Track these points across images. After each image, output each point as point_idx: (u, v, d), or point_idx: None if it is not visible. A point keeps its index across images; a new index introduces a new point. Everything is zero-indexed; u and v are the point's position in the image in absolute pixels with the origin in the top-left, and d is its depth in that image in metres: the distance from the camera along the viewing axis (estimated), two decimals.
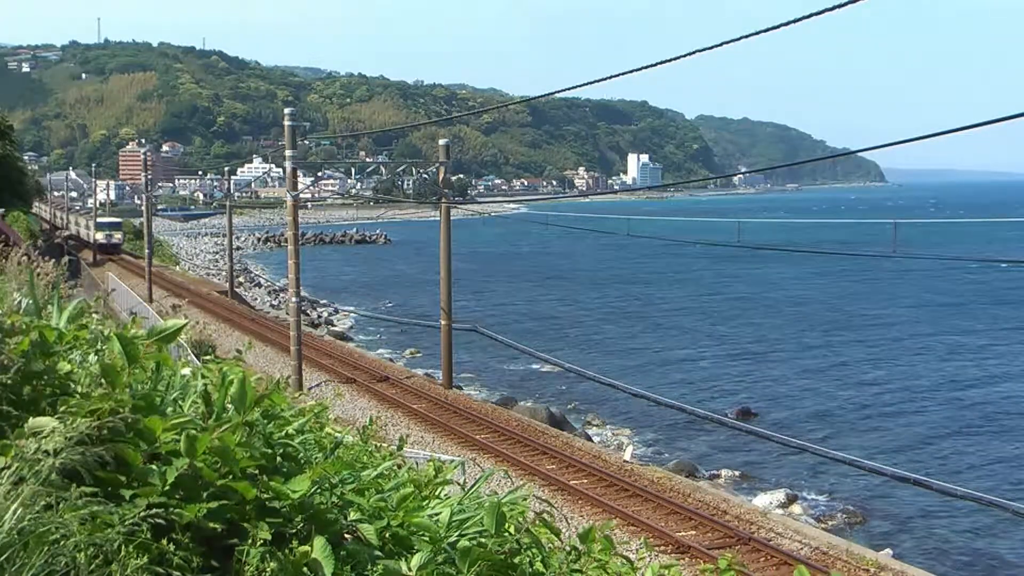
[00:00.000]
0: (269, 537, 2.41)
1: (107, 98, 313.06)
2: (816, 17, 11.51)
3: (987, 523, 24.49)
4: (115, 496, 2.33)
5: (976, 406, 37.48)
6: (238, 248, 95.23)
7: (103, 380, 2.60)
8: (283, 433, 2.88)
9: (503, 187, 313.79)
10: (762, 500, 24.79)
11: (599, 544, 3.22)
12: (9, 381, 2.51)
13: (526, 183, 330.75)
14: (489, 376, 42.09)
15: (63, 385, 2.64)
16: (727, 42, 13.08)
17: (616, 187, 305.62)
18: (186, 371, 3.10)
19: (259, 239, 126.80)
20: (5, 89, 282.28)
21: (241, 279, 72.86)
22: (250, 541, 2.39)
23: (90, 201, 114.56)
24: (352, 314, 59.70)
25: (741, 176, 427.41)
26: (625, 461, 23.72)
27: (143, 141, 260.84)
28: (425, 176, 44.42)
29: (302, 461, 2.86)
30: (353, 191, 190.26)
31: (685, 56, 14.01)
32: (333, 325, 56.02)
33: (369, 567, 2.51)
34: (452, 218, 31.53)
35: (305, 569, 2.38)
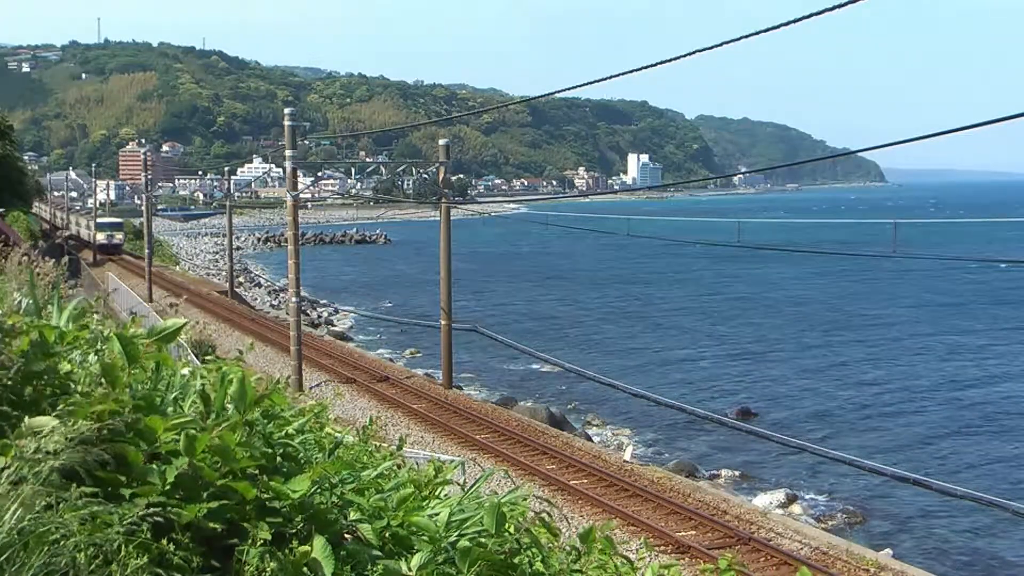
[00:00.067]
0: (269, 537, 2.41)
1: (107, 98, 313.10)
2: (816, 17, 11.52)
3: (987, 523, 24.49)
4: (115, 496, 2.33)
5: (976, 406, 37.49)
6: (238, 248, 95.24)
7: (103, 380, 2.60)
8: (283, 433, 2.88)
9: (503, 187, 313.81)
10: (762, 500, 24.79)
11: (599, 544, 3.22)
12: (9, 381, 2.51)
13: (526, 183, 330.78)
14: (489, 376, 42.09)
15: (63, 385, 2.64)
16: (727, 42, 13.09)
17: (616, 187, 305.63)
18: (186, 371, 3.10)
19: (259, 239, 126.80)
20: (5, 89, 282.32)
21: (241, 279, 72.86)
22: (250, 541, 2.39)
23: (90, 201, 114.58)
24: (352, 314, 59.70)
25: (741, 176, 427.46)
26: (625, 461, 23.73)
27: (143, 141, 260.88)
28: (425, 176, 44.43)
29: (302, 461, 2.86)
30: (353, 191, 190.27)
31: (685, 56, 14.02)
32: (333, 325, 56.02)
33: (369, 567, 2.51)
34: (452, 218, 31.53)
35: (305, 569, 2.38)
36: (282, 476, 2.62)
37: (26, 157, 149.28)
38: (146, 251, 54.77)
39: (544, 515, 3.21)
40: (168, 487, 2.39)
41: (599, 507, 20.05)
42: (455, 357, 33.52)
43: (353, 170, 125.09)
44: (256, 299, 64.42)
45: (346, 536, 2.67)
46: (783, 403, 37.82)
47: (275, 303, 62.94)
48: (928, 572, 18.21)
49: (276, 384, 3.10)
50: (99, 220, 76.49)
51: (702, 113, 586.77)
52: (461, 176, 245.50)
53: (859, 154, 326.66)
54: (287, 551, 2.40)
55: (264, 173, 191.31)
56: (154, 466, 2.44)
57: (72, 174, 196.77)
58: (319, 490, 2.69)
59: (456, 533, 2.76)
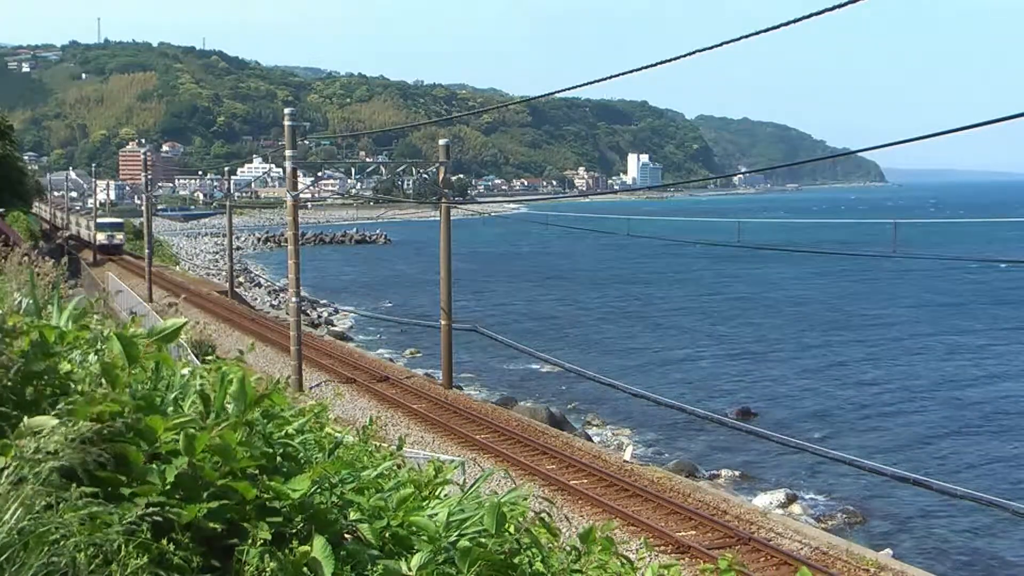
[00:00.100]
0: (269, 537, 2.41)
1: (107, 98, 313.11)
2: (816, 17, 11.52)
3: (987, 523, 24.49)
4: (115, 496, 2.33)
5: (975, 406, 37.50)
6: (238, 248, 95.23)
7: (103, 380, 2.60)
8: (283, 433, 2.88)
9: (503, 187, 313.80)
10: (762, 500, 24.79)
11: (599, 544, 3.22)
12: (10, 382, 2.51)
13: (526, 183, 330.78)
14: (489, 376, 42.09)
15: (63, 385, 2.64)
16: (727, 42, 13.09)
17: (616, 187, 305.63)
18: (185, 371, 3.10)
19: (259, 239, 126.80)
20: (5, 89, 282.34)
21: (241, 279, 72.86)
22: (250, 541, 2.39)
23: (90, 201, 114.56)
24: (352, 314, 59.70)
25: (741, 176, 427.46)
26: (625, 461, 23.73)
27: (143, 141, 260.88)
28: (425, 176, 44.43)
29: (302, 461, 2.86)
30: (353, 191, 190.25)
31: (685, 56, 14.03)
32: (333, 325, 56.02)
33: (369, 567, 2.51)
34: (452, 218, 31.53)
35: (305, 569, 2.38)
36: (282, 476, 2.62)
37: (26, 157, 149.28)
38: (146, 251, 54.78)
39: (544, 515, 3.21)
40: (168, 487, 2.39)
41: (599, 507, 20.05)
42: (455, 357, 33.52)
43: (353, 170, 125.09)
44: (256, 299, 64.43)
45: (346, 536, 2.67)
46: (783, 403, 37.83)
47: (275, 303, 62.94)
48: (928, 572, 18.21)
49: (276, 384, 3.10)
50: (100, 220, 76.42)
51: (702, 113, 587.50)
52: (461, 176, 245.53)
53: (859, 154, 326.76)
54: (287, 551, 2.40)
55: (264, 173, 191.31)
56: (154, 466, 2.44)
57: (72, 174, 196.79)
58: (319, 490, 2.69)
59: (456, 533, 2.77)
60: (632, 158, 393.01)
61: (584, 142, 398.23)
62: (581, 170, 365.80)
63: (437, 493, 3.18)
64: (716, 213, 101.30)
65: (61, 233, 79.12)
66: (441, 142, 32.12)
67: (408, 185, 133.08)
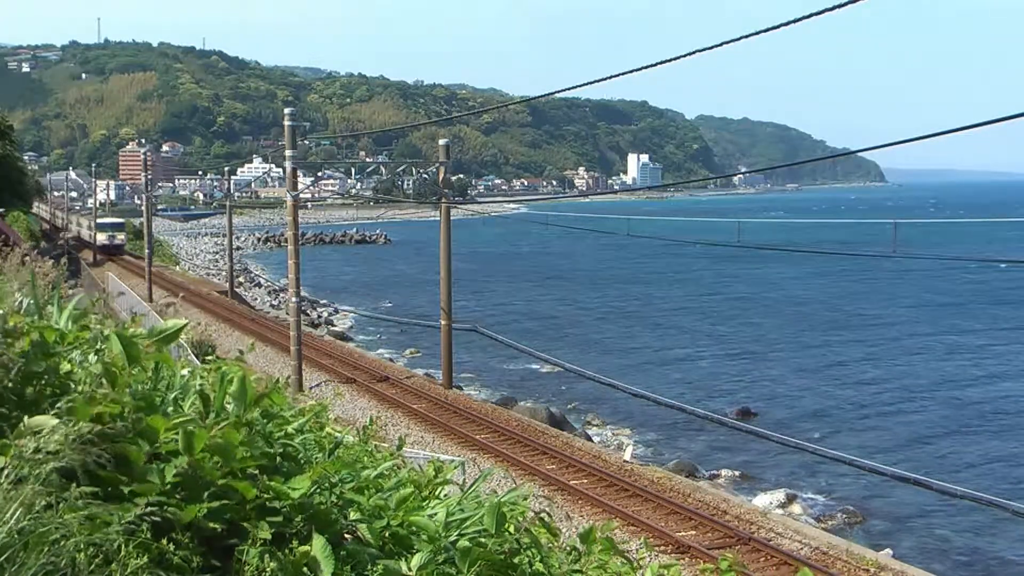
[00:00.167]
0: (269, 537, 2.41)
1: (107, 98, 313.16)
2: (816, 17, 11.52)
3: (987, 523, 24.49)
4: (115, 496, 2.33)
5: (975, 405, 37.52)
6: (238, 248, 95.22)
7: (104, 380, 2.60)
8: (283, 433, 2.88)
9: (503, 187, 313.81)
10: (762, 500, 24.79)
11: (599, 544, 3.22)
12: (10, 382, 2.51)
13: (526, 183, 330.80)
14: (489, 376, 42.09)
15: (63, 385, 2.64)
16: (727, 42, 13.09)
17: (616, 187, 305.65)
18: (185, 371, 3.10)
19: (259, 239, 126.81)
20: (5, 89, 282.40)
21: (241, 279, 72.85)
22: (250, 541, 2.39)
23: (90, 201, 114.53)
24: (352, 314, 59.70)
25: (741, 176, 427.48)
26: (625, 461, 23.73)
27: (143, 141, 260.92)
28: (425, 176, 44.42)
29: (302, 461, 2.86)
30: (353, 191, 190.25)
31: (685, 56, 14.03)
32: (333, 325, 56.02)
33: (369, 567, 2.51)
34: (452, 218, 31.53)
35: (305, 569, 2.38)
36: (282, 476, 2.62)
37: (26, 157, 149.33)
38: (146, 251, 54.77)
39: (544, 515, 3.21)
40: (168, 486, 2.39)
41: (599, 507, 20.05)
42: (455, 357, 33.52)
43: (353, 170, 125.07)
44: (256, 299, 64.43)
45: (346, 536, 2.67)
46: (783, 403, 37.84)
47: (275, 303, 62.94)
48: (928, 572, 18.21)
49: (276, 384, 3.10)
50: (100, 220, 76.28)
51: (702, 113, 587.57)
52: (461, 176, 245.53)
53: (859, 154, 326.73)
54: (287, 551, 2.40)
55: (264, 173, 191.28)
56: (154, 465, 2.44)
57: (72, 174, 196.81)
58: (319, 490, 2.69)
59: (456, 533, 2.77)
60: (632, 158, 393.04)
61: (584, 142, 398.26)
62: (581, 170, 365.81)
63: (437, 493, 3.18)
64: (716, 213, 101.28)
65: (63, 234, 78.98)
66: (441, 142, 32.12)
67: (408, 185, 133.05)
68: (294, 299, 29.23)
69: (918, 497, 25.53)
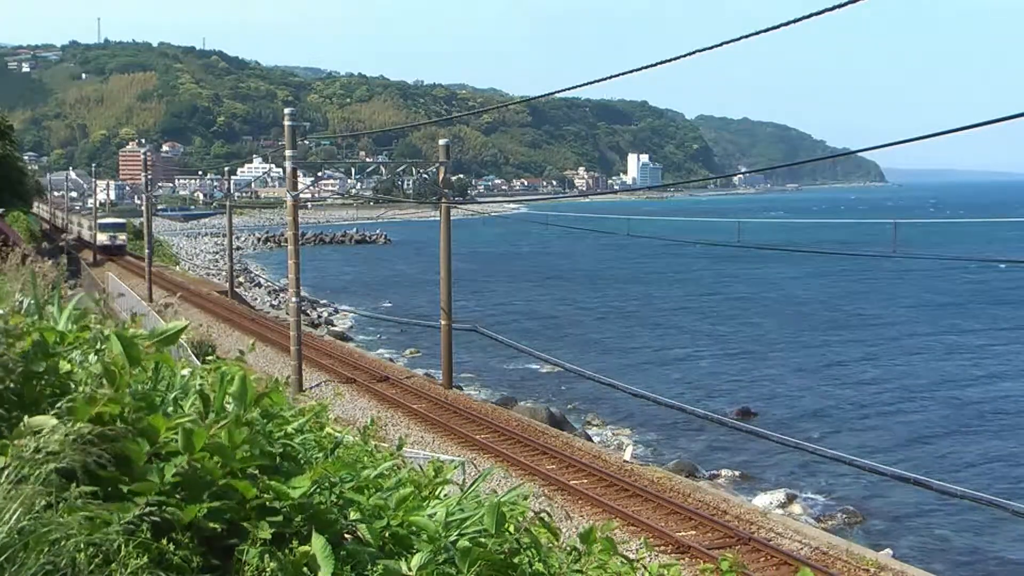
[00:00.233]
0: (269, 537, 2.41)
1: (107, 98, 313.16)
2: (816, 17, 11.52)
3: (987, 522, 24.49)
4: (115, 496, 2.33)
5: (975, 405, 37.52)
6: (238, 248, 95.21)
7: (104, 380, 2.60)
8: (283, 433, 2.88)
9: (503, 187, 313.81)
10: (762, 500, 24.79)
11: (599, 544, 3.22)
12: (11, 383, 2.51)
13: (526, 183, 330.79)
14: (489, 376, 42.09)
15: (63, 385, 2.64)
16: (727, 42, 13.09)
17: (616, 187, 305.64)
18: (186, 371, 3.10)
19: (259, 239, 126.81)
20: (5, 89, 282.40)
21: (241, 279, 72.84)
22: (250, 541, 2.39)
23: (90, 201, 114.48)
24: (352, 314, 59.70)
25: (741, 176, 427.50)
26: (625, 461, 23.72)
27: (143, 141, 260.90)
28: (425, 176, 44.42)
29: (302, 461, 2.86)
30: (353, 191, 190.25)
31: (685, 56, 14.03)
32: (333, 325, 56.02)
33: (369, 567, 2.51)
34: (452, 218, 31.53)
35: (305, 569, 2.38)
36: (282, 476, 2.62)
37: (26, 157, 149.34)
38: (146, 251, 54.77)
39: (544, 515, 3.21)
40: (167, 486, 2.39)
41: (599, 507, 20.04)
42: (455, 357, 33.51)
43: (353, 170, 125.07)
44: (256, 299, 64.42)
45: (346, 536, 2.67)
46: (783, 402, 37.84)
47: (275, 303, 62.94)
48: (928, 572, 18.21)
49: (276, 383, 3.10)
50: (102, 220, 76.12)
51: (702, 113, 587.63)
52: (461, 176, 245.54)
53: (859, 154, 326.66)
54: (287, 551, 2.40)
55: (264, 173, 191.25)
56: (153, 465, 2.44)
57: (72, 174, 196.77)
58: (319, 490, 2.70)
59: (456, 533, 2.77)
60: (632, 158, 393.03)
61: (584, 142, 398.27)
62: (581, 170, 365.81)
63: (437, 493, 3.18)
64: (716, 213, 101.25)
65: (64, 235, 78.87)
66: (441, 142, 32.12)
67: (408, 185, 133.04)
68: (294, 299, 29.25)
69: (918, 497, 25.53)
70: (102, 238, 73.06)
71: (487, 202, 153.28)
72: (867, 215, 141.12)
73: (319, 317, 57.92)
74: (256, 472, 2.58)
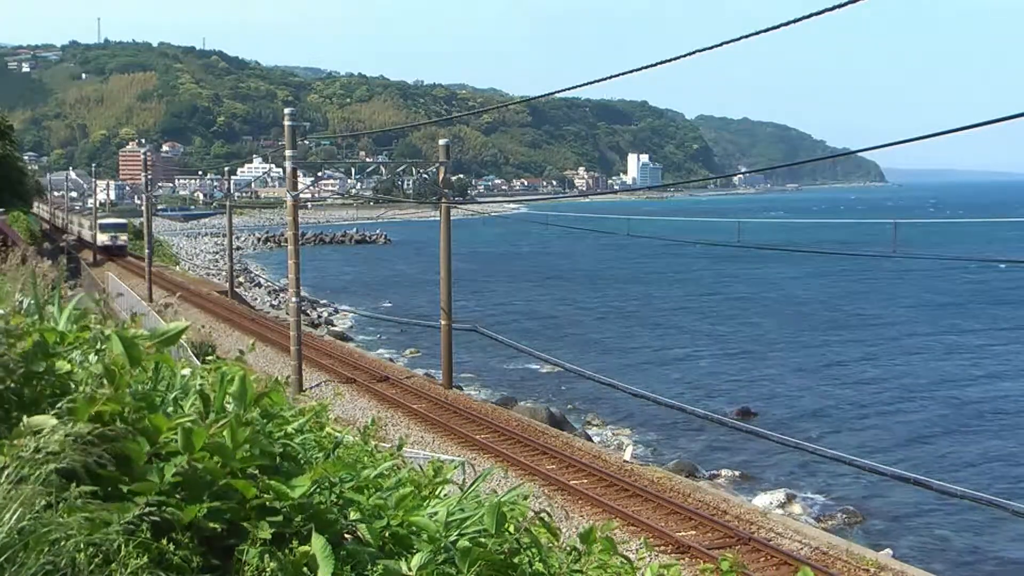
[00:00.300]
0: (269, 537, 2.41)
1: (107, 98, 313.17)
2: (816, 17, 11.52)
3: (987, 522, 24.49)
4: (115, 495, 2.33)
5: (974, 405, 37.53)
6: (238, 248, 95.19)
7: (105, 380, 2.60)
8: (283, 433, 2.88)
9: (503, 187, 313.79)
10: (762, 500, 24.79)
11: (599, 544, 3.22)
12: (12, 383, 2.51)
13: (526, 183, 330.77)
14: (489, 376, 42.09)
15: (63, 385, 2.64)
16: (727, 42, 13.09)
17: (616, 187, 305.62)
18: (186, 371, 3.10)
19: (259, 239, 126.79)
20: (5, 89, 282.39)
21: (241, 279, 72.83)
22: (250, 541, 2.39)
23: (90, 201, 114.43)
24: (352, 314, 59.70)
25: (741, 176, 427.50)
26: (625, 461, 23.73)
27: (143, 141, 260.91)
28: (425, 176, 44.42)
29: (302, 461, 2.86)
30: (353, 191, 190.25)
31: (685, 56, 14.03)
32: (333, 325, 56.02)
33: (369, 567, 2.51)
34: (452, 218, 31.53)
35: (305, 569, 2.38)
36: (282, 476, 2.62)
37: (26, 157, 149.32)
38: (146, 251, 54.77)
39: (544, 515, 3.21)
40: (167, 486, 2.39)
41: (599, 507, 20.04)
42: (455, 357, 33.51)
43: (353, 170, 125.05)
44: (256, 299, 64.42)
45: (346, 536, 2.67)
46: (783, 402, 37.84)
47: (275, 303, 62.93)
48: (928, 572, 18.21)
49: (275, 383, 3.10)
50: (103, 221, 75.96)
51: (702, 113, 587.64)
52: (461, 176, 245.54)
53: (859, 154, 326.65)
54: (287, 551, 2.40)
55: (264, 173, 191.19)
56: (153, 464, 2.44)
57: (72, 174, 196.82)
58: (319, 490, 2.70)
59: (456, 533, 2.77)
60: (632, 158, 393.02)
61: (584, 142, 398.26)
62: (581, 170, 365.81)
63: (437, 493, 3.18)
64: (716, 213, 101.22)
65: (64, 235, 78.79)
66: (441, 142, 32.12)
67: (408, 185, 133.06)
68: (294, 299, 29.25)
69: (918, 497, 25.53)
70: (103, 238, 72.95)
71: (487, 202, 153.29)
72: (867, 215, 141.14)
73: (319, 317, 57.92)
74: (256, 472, 2.58)
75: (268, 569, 2.35)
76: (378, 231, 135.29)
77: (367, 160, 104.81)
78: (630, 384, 33.47)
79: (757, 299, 69.30)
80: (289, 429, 2.95)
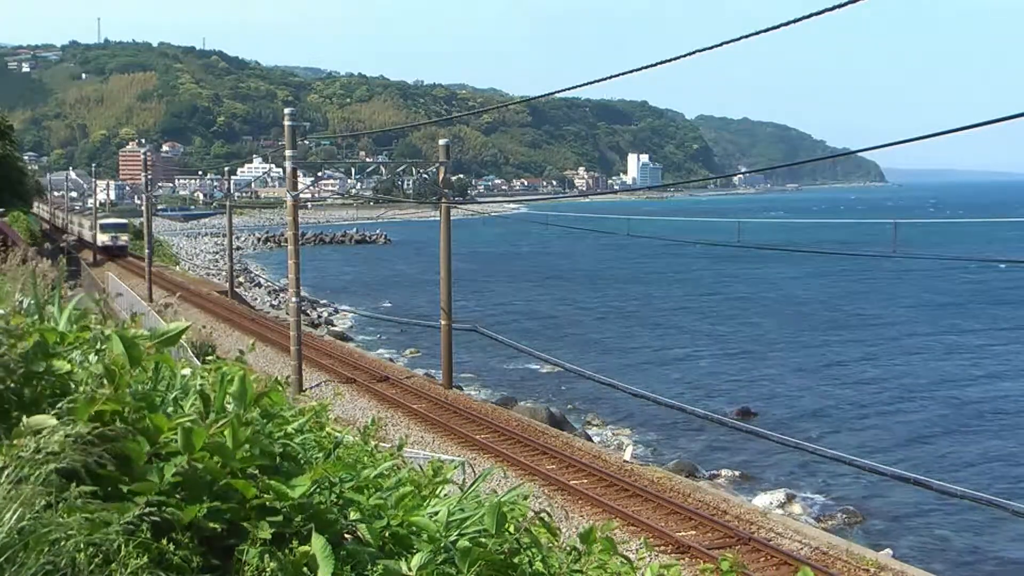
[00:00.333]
0: (269, 537, 2.41)
1: (107, 98, 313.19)
2: (816, 17, 11.52)
3: (987, 522, 24.50)
4: (115, 495, 2.33)
5: (974, 405, 37.53)
6: (238, 248, 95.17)
7: (105, 380, 2.60)
8: (283, 433, 2.88)
9: (503, 187, 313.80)
10: (762, 500, 24.79)
11: (599, 544, 3.22)
12: (12, 383, 2.51)
13: (526, 183, 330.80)
14: (489, 376, 42.09)
15: (63, 385, 2.64)
16: (727, 42, 13.10)
17: (616, 187, 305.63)
18: (186, 371, 3.10)
19: (259, 239, 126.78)
20: (5, 89, 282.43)
21: (241, 279, 72.82)
22: (250, 541, 2.39)
23: (90, 201, 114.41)
24: (352, 314, 59.70)
25: (741, 176, 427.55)
26: (625, 461, 23.73)
27: (143, 141, 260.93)
28: (425, 176, 44.41)
29: (302, 461, 2.86)
30: (353, 191, 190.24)
31: (685, 56, 14.03)
32: (333, 325, 56.01)
33: (369, 567, 2.51)
34: (452, 218, 31.53)
35: (305, 569, 2.38)
36: (282, 476, 2.62)
37: (26, 157, 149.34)
38: (146, 251, 54.77)
39: (544, 515, 3.21)
40: (167, 486, 2.40)
41: (599, 507, 20.04)
42: (455, 357, 33.52)
43: (353, 170, 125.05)
44: (256, 299, 64.42)
45: (346, 536, 2.67)
46: (783, 402, 37.84)
47: (275, 303, 62.93)
48: (928, 572, 18.21)
49: (275, 382, 3.10)
50: (104, 221, 75.86)
51: (702, 113, 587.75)
52: (461, 176, 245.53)
53: (859, 154, 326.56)
54: (287, 551, 2.40)
55: (264, 173, 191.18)
56: (153, 464, 2.44)
57: (72, 174, 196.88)
58: (319, 490, 2.70)
59: (456, 533, 2.77)
60: (632, 158, 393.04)
61: (584, 142, 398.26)
62: (581, 170, 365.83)
63: (437, 493, 3.18)
64: (716, 213, 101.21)
65: (65, 236, 78.73)
66: (441, 142, 32.12)
67: (408, 185, 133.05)
68: (294, 299, 29.25)
69: (918, 497, 25.53)
70: (104, 238, 72.87)
71: (487, 202, 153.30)
72: (867, 215, 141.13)
73: (319, 317, 57.91)
74: (256, 472, 2.58)
75: (268, 569, 2.35)
76: (378, 231, 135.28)
77: (367, 160, 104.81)
78: (630, 384, 33.48)
79: (757, 299, 69.30)
80: (289, 429, 2.95)
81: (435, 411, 28.09)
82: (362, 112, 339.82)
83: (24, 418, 2.37)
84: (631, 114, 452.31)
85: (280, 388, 3.06)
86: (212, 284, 66.12)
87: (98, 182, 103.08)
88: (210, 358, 3.77)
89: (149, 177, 63.53)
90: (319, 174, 79.28)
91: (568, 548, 3.18)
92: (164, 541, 2.27)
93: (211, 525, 2.39)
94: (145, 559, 2.19)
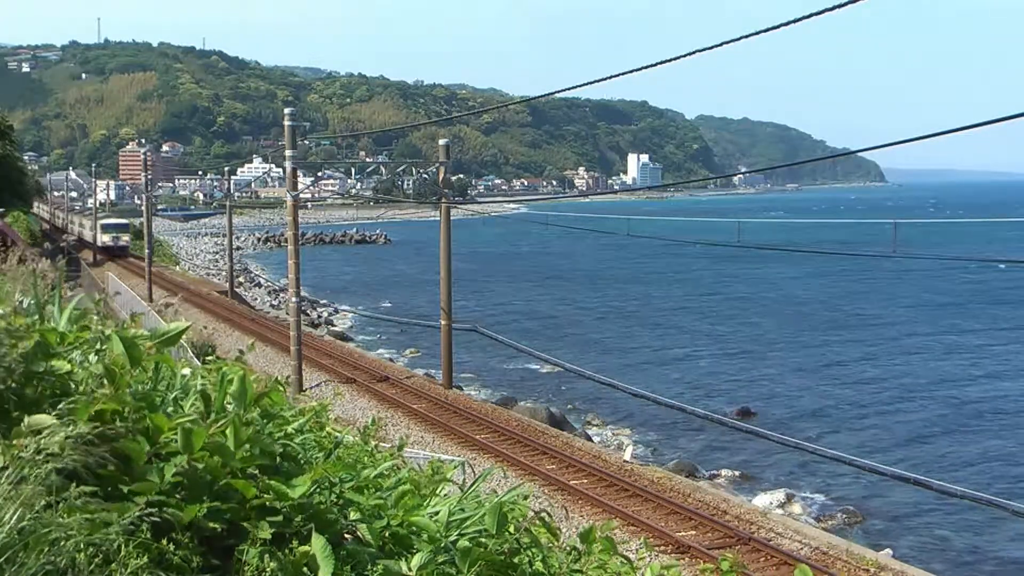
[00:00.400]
0: (269, 537, 2.41)
1: (107, 98, 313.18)
2: (816, 17, 11.53)
3: (987, 522, 24.50)
4: (116, 495, 2.33)
5: (974, 405, 37.53)
6: (238, 248, 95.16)
7: (105, 380, 2.60)
8: (283, 433, 2.88)
9: (503, 187, 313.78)
10: (762, 500, 24.79)
11: (599, 544, 3.22)
12: (12, 383, 2.51)
13: (526, 183, 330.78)
14: (489, 376, 42.09)
15: (63, 385, 2.64)
16: (727, 42, 13.10)
17: (616, 187, 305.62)
18: (186, 371, 3.10)
19: (259, 239, 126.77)
20: (5, 89, 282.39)
21: (241, 279, 72.82)
22: (250, 541, 2.39)
23: (90, 201, 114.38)
24: (352, 314, 59.70)
25: (741, 176, 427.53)
26: (625, 461, 23.73)
27: (143, 141, 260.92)
28: (425, 176, 44.41)
29: (302, 461, 2.86)
30: (353, 191, 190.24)
31: (685, 56, 14.03)
32: (333, 325, 56.01)
33: (369, 567, 2.51)
34: (452, 218, 31.53)
35: (305, 569, 2.38)
36: (282, 476, 2.62)
37: (26, 157, 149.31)
38: (146, 251, 54.76)
39: (544, 515, 3.21)
40: (167, 486, 2.40)
41: (599, 507, 20.05)
42: (455, 357, 33.52)
43: (353, 170, 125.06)
44: (256, 299, 64.42)
45: (346, 536, 2.67)
46: (782, 402, 37.84)
47: (275, 303, 62.93)
48: (928, 572, 18.21)
49: (275, 382, 3.10)
50: (104, 221, 75.80)
51: (702, 113, 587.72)
52: (461, 176, 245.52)
53: (859, 154, 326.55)
54: (287, 551, 2.40)
55: (264, 173, 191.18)
56: (153, 464, 2.44)
57: (72, 174, 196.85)
58: (319, 490, 2.70)
59: (456, 533, 2.77)
60: (632, 158, 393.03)
61: (584, 142, 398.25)
62: (581, 170, 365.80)
63: (437, 492, 3.18)
64: (716, 213, 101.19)
65: (65, 236, 78.67)
66: (441, 142, 32.12)
67: (408, 185, 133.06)
68: (294, 299, 29.25)
69: (918, 497, 25.53)
70: (105, 239, 72.84)
71: (487, 202, 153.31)
72: (867, 215, 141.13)
73: (319, 317, 57.91)
74: (256, 472, 2.58)
75: (268, 569, 2.35)
76: (378, 231, 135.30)
77: (367, 160, 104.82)
78: (630, 384, 33.48)
79: (757, 299, 69.30)
80: (289, 429, 2.95)
81: (435, 411, 28.09)
82: (362, 112, 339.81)
83: (24, 418, 2.37)
84: (631, 114, 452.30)
85: (280, 388, 3.06)
86: (212, 284, 66.13)
87: (98, 182, 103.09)
88: (210, 358, 3.77)
89: (149, 177, 63.53)
90: (319, 174, 79.30)
91: (568, 548, 3.18)
92: (164, 541, 2.27)
93: (211, 525, 2.39)
94: (145, 559, 2.19)
